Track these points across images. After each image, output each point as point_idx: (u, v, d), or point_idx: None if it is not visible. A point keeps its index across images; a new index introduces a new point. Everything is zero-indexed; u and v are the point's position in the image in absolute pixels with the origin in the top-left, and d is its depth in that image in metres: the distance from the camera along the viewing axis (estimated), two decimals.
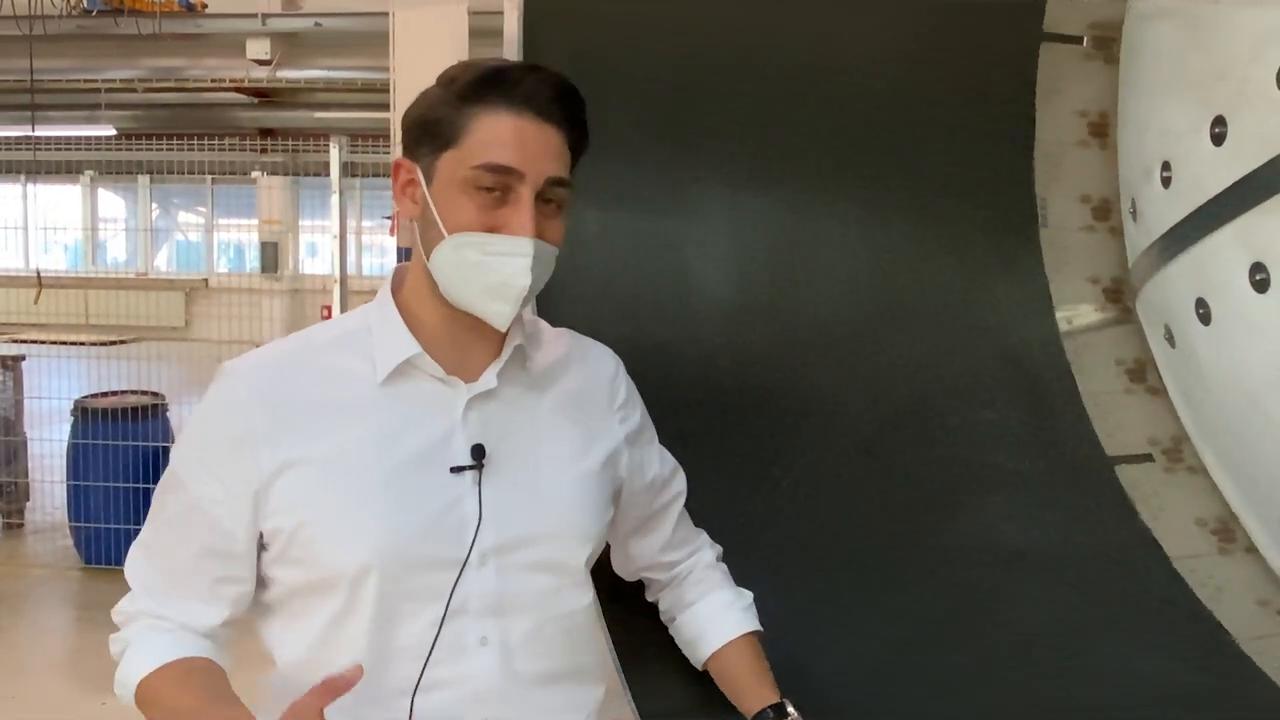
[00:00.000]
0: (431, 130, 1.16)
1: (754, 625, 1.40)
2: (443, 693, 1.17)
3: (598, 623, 1.32)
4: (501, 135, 1.13)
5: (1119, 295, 1.97)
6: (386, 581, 1.15)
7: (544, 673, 1.23)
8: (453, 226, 1.14)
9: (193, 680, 1.16)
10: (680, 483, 1.43)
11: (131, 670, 1.18)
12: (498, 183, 1.13)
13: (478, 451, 1.19)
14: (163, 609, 1.20)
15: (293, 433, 1.16)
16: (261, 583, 1.22)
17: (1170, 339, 1.82)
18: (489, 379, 1.22)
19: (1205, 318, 1.64)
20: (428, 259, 1.17)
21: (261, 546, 1.20)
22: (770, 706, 1.32)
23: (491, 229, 1.13)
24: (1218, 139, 1.54)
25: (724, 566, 1.45)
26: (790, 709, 1.32)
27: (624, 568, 1.44)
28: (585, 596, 1.27)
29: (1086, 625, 1.66)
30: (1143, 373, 1.95)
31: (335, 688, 1.03)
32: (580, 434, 1.28)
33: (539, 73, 1.16)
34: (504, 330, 1.20)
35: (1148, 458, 1.89)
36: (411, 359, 1.19)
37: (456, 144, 1.14)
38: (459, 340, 1.21)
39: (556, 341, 1.33)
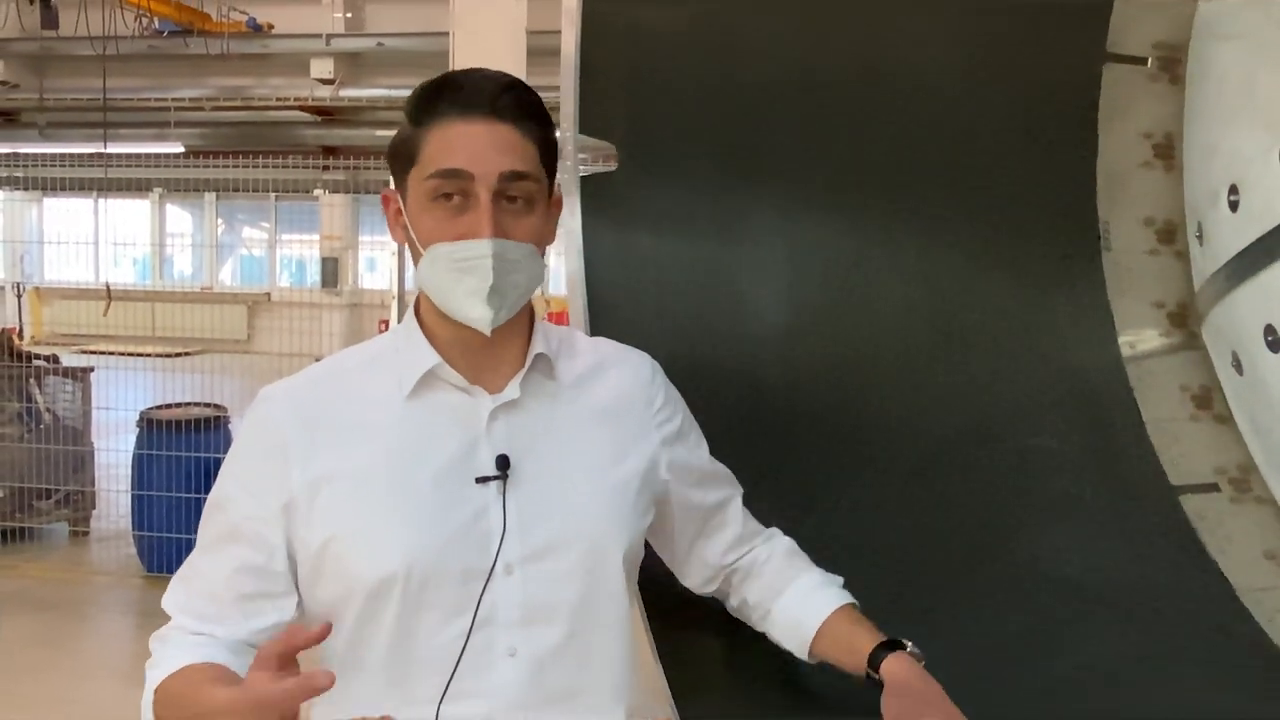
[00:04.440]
0: (398, 154, 1.21)
1: (851, 600, 1.37)
2: (470, 704, 1.18)
3: (631, 640, 1.31)
4: (450, 141, 1.16)
5: (1184, 320, 1.93)
6: (410, 592, 1.17)
7: (573, 687, 1.23)
8: (425, 241, 1.18)
9: (196, 674, 1.13)
10: (733, 481, 1.42)
11: (150, 681, 1.17)
12: (454, 188, 1.16)
13: (502, 462, 1.20)
14: (197, 626, 1.21)
15: (322, 449, 1.19)
16: (300, 597, 1.24)
17: (1238, 366, 1.77)
18: (512, 389, 1.24)
19: (1275, 345, 1.60)
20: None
21: (294, 563, 1.21)
22: (885, 642, 1.29)
23: (458, 237, 1.16)
24: None
25: (805, 555, 1.42)
26: (910, 645, 1.28)
27: (699, 576, 1.42)
28: (618, 609, 1.26)
29: (1149, 658, 1.62)
30: (1209, 400, 1.90)
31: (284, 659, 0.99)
32: (612, 441, 1.29)
33: (480, 74, 1.20)
34: (488, 334, 1.20)
35: (1214, 487, 1.84)
36: (434, 369, 1.22)
37: (417, 161, 1.18)
38: (475, 352, 1.23)
39: (590, 351, 1.35)
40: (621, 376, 1.33)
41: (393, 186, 1.24)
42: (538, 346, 1.26)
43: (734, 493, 1.42)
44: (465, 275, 1.16)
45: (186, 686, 1.12)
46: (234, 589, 1.20)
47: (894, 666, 1.26)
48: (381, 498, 1.18)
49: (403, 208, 1.22)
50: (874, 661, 1.27)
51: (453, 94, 1.17)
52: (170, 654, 1.18)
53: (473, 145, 1.16)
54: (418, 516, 1.18)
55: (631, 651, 1.30)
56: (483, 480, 1.20)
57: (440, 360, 1.22)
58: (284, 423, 1.21)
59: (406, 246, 1.24)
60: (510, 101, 1.18)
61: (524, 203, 1.19)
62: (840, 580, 1.39)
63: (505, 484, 1.20)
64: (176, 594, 1.24)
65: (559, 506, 1.23)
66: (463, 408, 1.22)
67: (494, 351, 1.23)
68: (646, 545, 1.38)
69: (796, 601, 1.37)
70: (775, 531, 1.44)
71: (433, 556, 1.17)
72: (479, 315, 1.18)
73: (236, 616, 1.20)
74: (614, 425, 1.30)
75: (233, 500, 1.21)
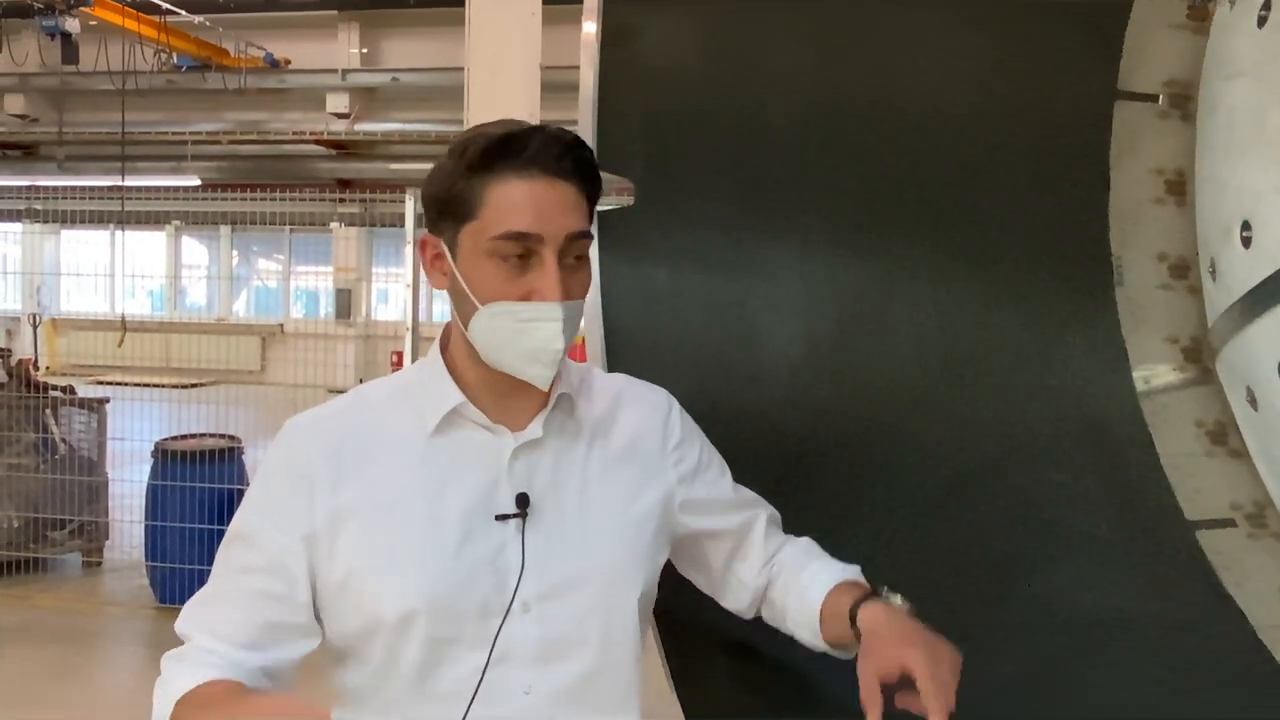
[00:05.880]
0: (449, 205, 1.19)
1: (858, 578, 1.33)
2: None
3: (643, 675, 1.31)
4: (516, 201, 1.15)
5: (1198, 355, 1.93)
6: (432, 628, 1.17)
7: None
8: (484, 297, 1.17)
9: (222, 685, 1.13)
10: (761, 504, 1.41)
11: (167, 695, 1.15)
12: (520, 249, 1.15)
13: (522, 500, 1.21)
14: (215, 644, 1.19)
15: (347, 482, 1.20)
16: (322, 627, 1.24)
17: (1253, 401, 1.77)
18: (534, 429, 1.25)
19: None
20: (466, 328, 1.21)
21: (315, 595, 1.22)
22: (866, 594, 1.26)
23: (522, 296, 1.16)
24: None
25: (821, 550, 1.39)
26: (886, 591, 1.25)
27: (740, 599, 1.40)
28: (632, 648, 1.27)
29: (1166, 694, 1.61)
30: (1224, 435, 1.89)
31: None
32: (629, 481, 1.29)
33: (544, 132, 1.18)
34: (545, 389, 1.22)
35: (1230, 523, 1.83)
36: (458, 408, 1.22)
37: (475, 216, 1.17)
38: (502, 394, 1.24)
39: (608, 389, 1.35)
40: (638, 414, 1.34)
41: (428, 231, 1.23)
42: (562, 386, 1.27)
43: (758, 514, 1.40)
44: (529, 335, 1.16)
45: (217, 694, 1.10)
46: (256, 614, 1.20)
47: (866, 616, 1.23)
48: (403, 533, 1.19)
49: (448, 256, 1.21)
50: (853, 619, 1.24)
51: (517, 151, 1.15)
52: (187, 671, 1.16)
53: (538, 206, 1.15)
54: (438, 552, 1.19)
55: (643, 686, 1.30)
56: (502, 518, 1.21)
57: (464, 399, 1.23)
58: (310, 454, 1.21)
59: (446, 290, 1.23)
60: (572, 161, 1.17)
61: (581, 259, 1.20)
62: (856, 569, 1.35)
63: (524, 522, 1.21)
64: (193, 613, 1.22)
65: (577, 546, 1.23)
66: (485, 445, 1.23)
67: (518, 394, 1.24)
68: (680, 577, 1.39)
69: (803, 589, 1.34)
70: (793, 537, 1.43)
71: (452, 592, 1.18)
72: (538, 374, 1.19)
73: (259, 639, 1.19)
74: (631, 465, 1.30)
75: (257, 531, 1.21)
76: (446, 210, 1.19)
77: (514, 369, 1.19)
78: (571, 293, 1.17)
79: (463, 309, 1.21)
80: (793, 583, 1.36)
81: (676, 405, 1.38)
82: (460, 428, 1.23)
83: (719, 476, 1.40)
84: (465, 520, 1.20)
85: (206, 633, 1.20)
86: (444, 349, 1.28)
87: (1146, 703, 1.59)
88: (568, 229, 1.16)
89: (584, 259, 1.20)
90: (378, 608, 1.18)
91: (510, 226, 1.15)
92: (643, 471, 1.31)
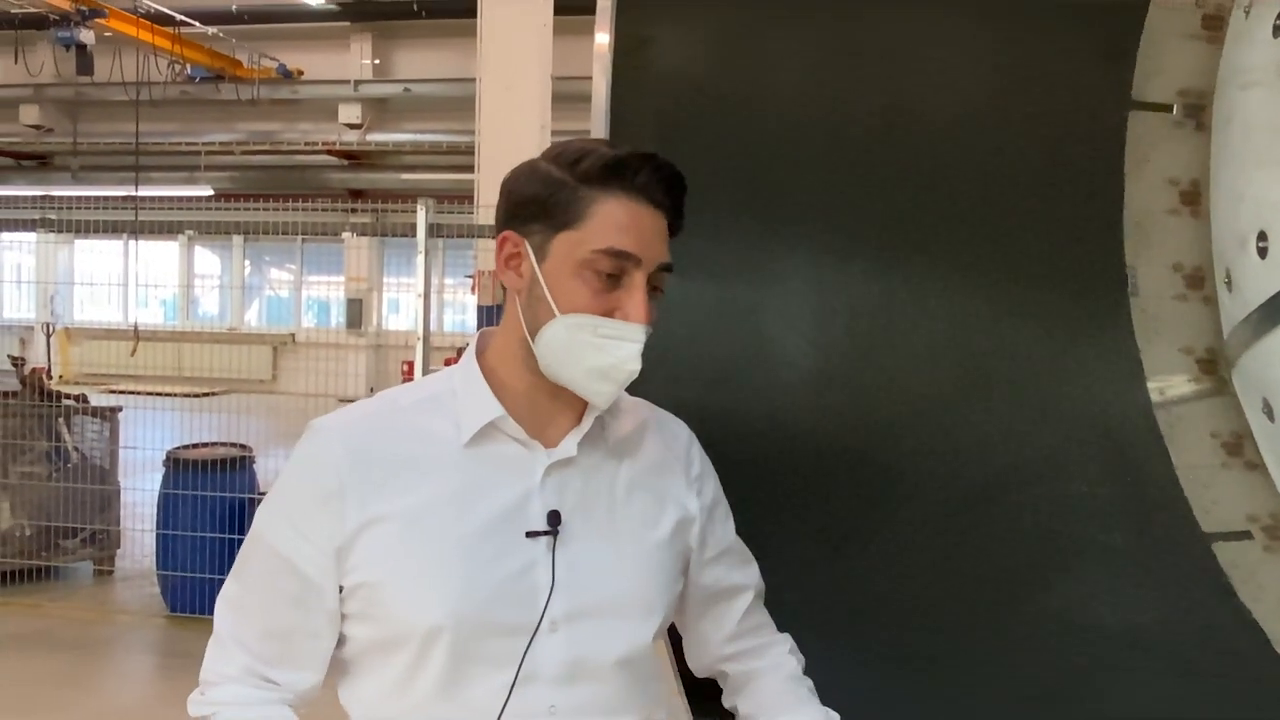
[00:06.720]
0: (548, 209, 1.18)
1: None
2: None
3: (663, 693, 1.30)
4: (623, 221, 1.16)
5: (1214, 366, 1.92)
6: (458, 644, 1.16)
7: None
8: (566, 306, 1.16)
9: None
10: (754, 573, 1.40)
11: None
12: (615, 267, 1.16)
13: (553, 518, 1.20)
14: (268, 672, 1.21)
15: (376, 491, 1.18)
16: (339, 639, 1.23)
17: (1269, 412, 1.76)
18: (569, 447, 1.23)
19: None
20: (533, 334, 1.19)
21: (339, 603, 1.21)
22: None
23: (606, 312, 1.16)
24: None
25: (809, 681, 1.38)
26: None
27: (697, 660, 1.41)
28: (654, 666, 1.26)
29: (1182, 708, 1.60)
30: (1240, 446, 1.88)
31: None
32: (654, 502, 1.29)
33: (654, 161, 1.19)
34: (604, 408, 1.21)
35: (1246, 535, 1.82)
36: (495, 421, 1.21)
37: (575, 226, 1.17)
38: (541, 408, 1.23)
39: (634, 411, 1.34)
40: (662, 441, 1.34)
41: (510, 229, 1.21)
42: (595, 408, 1.25)
43: (748, 585, 1.39)
44: (606, 351, 1.16)
45: None
46: (300, 631, 1.20)
47: None
48: (430, 545, 1.17)
49: (531, 258, 1.19)
50: None
51: (631, 174, 1.17)
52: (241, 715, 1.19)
53: (642, 231, 1.17)
54: (465, 568, 1.17)
55: (663, 701, 1.29)
56: (533, 535, 1.19)
57: (504, 413, 1.21)
58: (338, 463, 1.19)
59: (516, 292, 1.22)
60: (675, 197, 1.20)
61: (659, 290, 1.21)
62: None
63: (555, 540, 1.19)
64: (232, 625, 1.23)
65: (605, 566, 1.22)
66: (518, 460, 1.22)
67: (557, 407, 1.23)
68: None
69: None
70: (788, 646, 1.40)
71: (478, 610, 1.16)
72: (603, 390, 1.19)
73: (303, 659, 1.21)
74: (656, 489, 1.30)
75: (283, 537, 1.20)
76: (543, 213, 1.18)
77: (576, 383, 1.19)
78: (650, 319, 1.18)
79: (535, 314, 1.19)
80: (771, 712, 1.34)
81: (695, 438, 1.39)
82: (494, 440, 1.22)
83: (725, 519, 1.39)
84: (495, 535, 1.18)
85: (249, 650, 1.21)
86: (479, 355, 1.26)
87: (1161, 714, 1.57)
88: (660, 258, 1.18)
89: (660, 291, 1.21)
90: (404, 621, 1.17)
91: (614, 244, 1.15)
92: (666, 497, 1.31)
